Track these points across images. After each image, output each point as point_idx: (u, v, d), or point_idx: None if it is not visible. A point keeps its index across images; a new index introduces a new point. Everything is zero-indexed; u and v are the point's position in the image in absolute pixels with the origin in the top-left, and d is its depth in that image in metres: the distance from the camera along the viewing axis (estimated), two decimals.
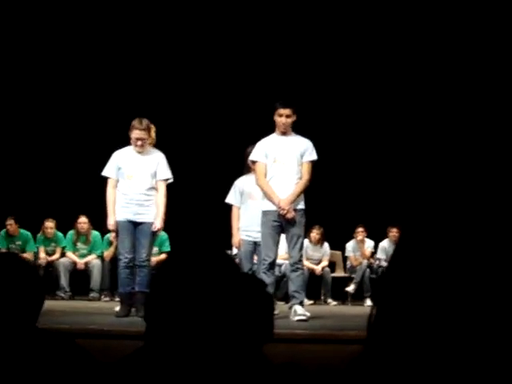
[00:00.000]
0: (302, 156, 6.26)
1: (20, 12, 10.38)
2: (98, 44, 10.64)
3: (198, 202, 10.43)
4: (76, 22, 10.45)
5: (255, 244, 6.93)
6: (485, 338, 0.75)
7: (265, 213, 6.27)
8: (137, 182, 6.52)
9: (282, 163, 6.22)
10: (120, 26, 10.51)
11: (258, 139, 6.51)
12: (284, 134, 6.27)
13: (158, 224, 6.53)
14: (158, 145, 6.76)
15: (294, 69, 10.65)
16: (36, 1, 10.39)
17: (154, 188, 6.58)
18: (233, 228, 7.12)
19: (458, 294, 0.75)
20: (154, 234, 6.63)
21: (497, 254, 0.79)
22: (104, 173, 6.64)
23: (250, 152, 6.63)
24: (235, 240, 7.12)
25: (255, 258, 7.24)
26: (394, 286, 0.81)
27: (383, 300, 0.82)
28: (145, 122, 6.53)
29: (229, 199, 7.08)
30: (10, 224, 9.93)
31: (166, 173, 6.63)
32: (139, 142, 6.52)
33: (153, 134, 6.73)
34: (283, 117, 6.23)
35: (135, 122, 6.53)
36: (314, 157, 6.30)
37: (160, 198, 6.56)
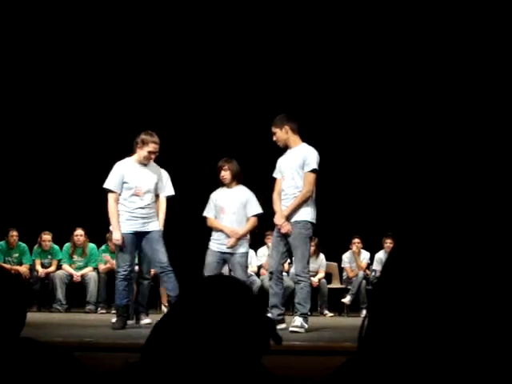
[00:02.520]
0: (302, 167, 6.27)
1: (19, 26, 10.40)
2: (92, 62, 10.67)
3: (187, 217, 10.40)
4: (72, 39, 10.48)
5: (224, 255, 6.92)
6: (478, 351, 0.75)
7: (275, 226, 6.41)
8: (144, 197, 6.52)
9: (284, 178, 6.32)
10: (117, 46, 10.54)
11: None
12: (288, 148, 6.39)
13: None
14: None
15: (287, 85, 10.68)
16: (38, 12, 10.39)
17: (154, 200, 6.63)
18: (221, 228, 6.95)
19: (450, 304, 0.76)
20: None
21: (491, 266, 0.79)
22: (107, 186, 6.53)
23: (221, 165, 6.80)
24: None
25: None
26: (386, 297, 0.81)
27: (375, 310, 0.83)
28: (156, 135, 6.54)
29: (206, 212, 7.09)
30: (13, 235, 9.94)
31: (171, 189, 6.75)
32: (153, 156, 6.53)
33: None
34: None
35: (148, 136, 6.47)
36: (312, 166, 6.26)
37: (162, 212, 6.65)
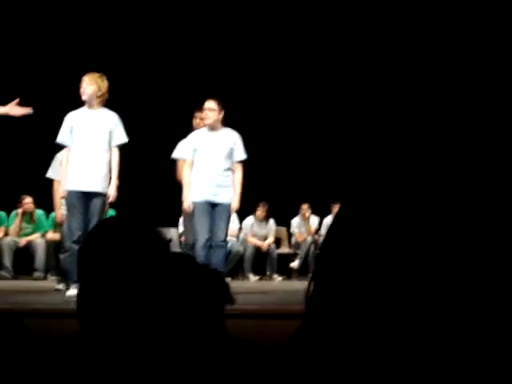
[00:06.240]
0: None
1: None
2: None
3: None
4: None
5: None
6: (426, 314, 0.76)
7: None
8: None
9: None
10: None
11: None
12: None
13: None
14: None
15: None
16: None
17: None
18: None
19: (395, 268, 0.77)
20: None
21: (432, 230, 0.80)
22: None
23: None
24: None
25: None
26: (330, 260, 0.83)
27: (319, 274, 0.84)
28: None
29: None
30: None
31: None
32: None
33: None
34: None
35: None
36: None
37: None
